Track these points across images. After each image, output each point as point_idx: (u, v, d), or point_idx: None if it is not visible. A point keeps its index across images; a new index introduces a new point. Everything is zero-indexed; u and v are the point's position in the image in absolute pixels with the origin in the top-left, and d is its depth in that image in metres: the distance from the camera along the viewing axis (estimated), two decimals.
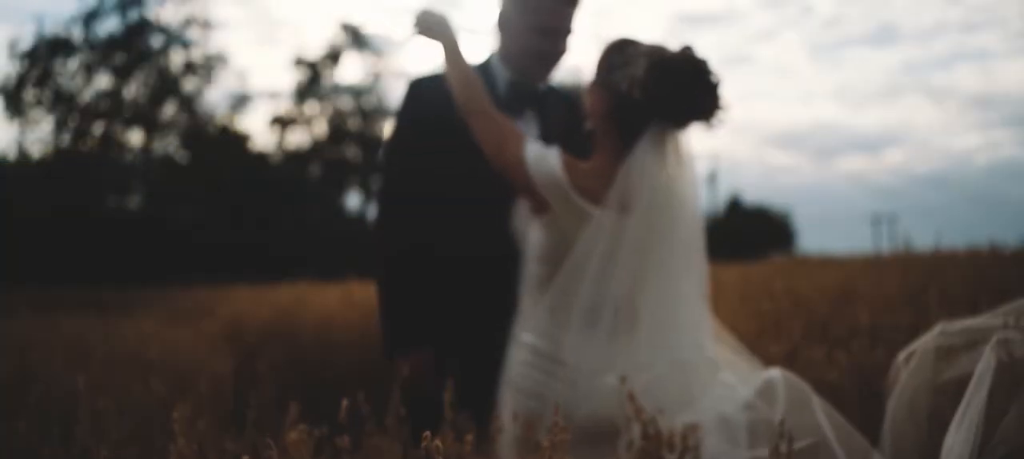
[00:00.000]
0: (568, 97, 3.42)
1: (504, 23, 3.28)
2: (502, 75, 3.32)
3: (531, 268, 2.88)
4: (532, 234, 2.87)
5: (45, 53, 35.67)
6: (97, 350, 4.45)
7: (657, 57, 2.72)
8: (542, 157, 2.77)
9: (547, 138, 3.00)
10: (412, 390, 3.04)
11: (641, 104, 2.72)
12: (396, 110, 3.37)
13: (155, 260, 30.84)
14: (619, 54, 2.80)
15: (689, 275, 2.78)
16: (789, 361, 3.72)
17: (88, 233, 31.67)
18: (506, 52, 3.31)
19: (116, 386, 3.66)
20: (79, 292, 17.87)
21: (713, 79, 2.72)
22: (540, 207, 2.81)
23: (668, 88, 2.70)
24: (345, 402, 2.30)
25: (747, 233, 43.29)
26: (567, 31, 3.23)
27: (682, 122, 2.76)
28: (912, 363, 2.88)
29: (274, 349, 6.01)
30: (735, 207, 52.78)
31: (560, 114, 3.34)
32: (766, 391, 2.59)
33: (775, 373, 2.62)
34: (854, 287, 5.77)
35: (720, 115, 2.73)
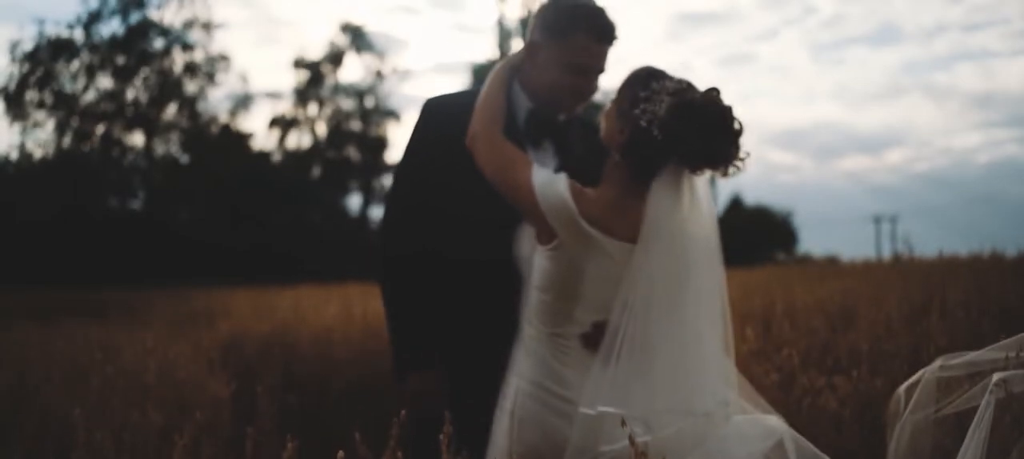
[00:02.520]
0: (589, 127, 3.38)
1: (534, 54, 3.21)
2: (523, 104, 3.27)
3: (534, 296, 2.85)
4: (536, 262, 2.84)
5: (47, 55, 35.69)
6: (95, 372, 4.43)
7: (681, 98, 2.67)
8: (550, 182, 2.74)
9: (566, 169, 2.97)
10: (420, 412, 3.03)
11: (659, 143, 2.67)
12: (413, 129, 3.33)
13: (156, 261, 30.85)
14: (643, 87, 2.76)
15: (707, 318, 2.73)
16: (787, 388, 3.71)
17: (90, 234, 31.67)
18: (532, 82, 3.24)
19: (114, 413, 3.64)
20: (80, 294, 17.86)
21: (736, 126, 2.67)
22: (546, 235, 2.78)
23: (689, 131, 2.65)
24: (341, 454, 2.28)
25: (748, 233, 43.27)
26: (600, 70, 3.18)
27: (698, 167, 2.72)
28: (914, 397, 2.86)
29: (273, 367, 6.00)
30: (736, 207, 52.76)
31: (581, 145, 3.29)
32: (779, 446, 2.56)
33: (785, 431, 2.59)
34: (854, 304, 5.75)
35: (738, 165, 2.69)
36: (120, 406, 3.83)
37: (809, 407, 3.50)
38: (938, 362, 2.87)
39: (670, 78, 2.78)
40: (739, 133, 2.68)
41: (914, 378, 2.91)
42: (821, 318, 5.37)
